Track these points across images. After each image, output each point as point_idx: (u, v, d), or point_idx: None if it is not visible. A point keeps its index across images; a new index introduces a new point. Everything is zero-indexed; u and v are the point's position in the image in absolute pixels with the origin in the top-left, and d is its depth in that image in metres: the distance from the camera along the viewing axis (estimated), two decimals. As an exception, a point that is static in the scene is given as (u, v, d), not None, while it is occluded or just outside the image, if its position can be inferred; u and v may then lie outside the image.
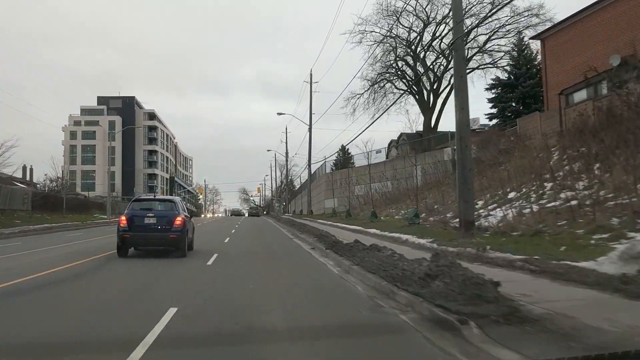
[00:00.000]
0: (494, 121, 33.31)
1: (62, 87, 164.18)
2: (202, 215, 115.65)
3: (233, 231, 28.68)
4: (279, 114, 45.51)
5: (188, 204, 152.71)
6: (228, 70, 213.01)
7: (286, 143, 72.84)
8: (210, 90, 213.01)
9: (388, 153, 45.61)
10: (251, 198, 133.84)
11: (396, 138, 54.91)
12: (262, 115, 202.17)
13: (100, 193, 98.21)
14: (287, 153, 72.55)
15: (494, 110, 33.47)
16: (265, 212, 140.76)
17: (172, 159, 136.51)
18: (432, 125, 36.83)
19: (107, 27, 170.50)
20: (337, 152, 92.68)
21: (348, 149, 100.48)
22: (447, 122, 74.97)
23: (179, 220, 13.86)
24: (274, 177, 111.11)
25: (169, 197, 21.24)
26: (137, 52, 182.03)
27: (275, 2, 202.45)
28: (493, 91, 33.46)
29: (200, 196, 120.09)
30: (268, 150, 76.83)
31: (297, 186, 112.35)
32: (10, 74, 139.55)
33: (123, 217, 14.07)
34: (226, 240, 21.98)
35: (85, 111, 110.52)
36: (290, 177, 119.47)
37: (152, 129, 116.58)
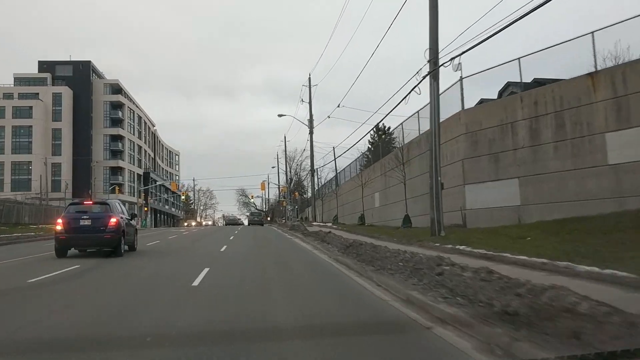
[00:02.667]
0: None
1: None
2: (186, 224, 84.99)
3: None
4: None
5: (173, 209, 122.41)
6: (235, 74, 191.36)
7: (309, 94, 42.55)
8: (215, 94, 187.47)
9: None
10: (251, 200, 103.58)
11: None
12: (267, 123, 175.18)
13: (36, 193, 67.68)
14: (310, 111, 42.18)
15: None
16: (269, 219, 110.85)
17: (149, 151, 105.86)
18: None
19: (116, 29, 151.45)
20: (372, 131, 63.88)
21: (389, 128, 70.79)
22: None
23: (113, 222, 14.34)
24: (282, 171, 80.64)
25: (104, 200, 19.03)
26: (144, 54, 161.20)
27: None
28: None
29: (183, 197, 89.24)
30: (280, 116, 43.49)
31: (302, 192, 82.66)
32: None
33: (60, 220, 14.66)
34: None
35: (20, 80, 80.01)
36: (298, 176, 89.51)
37: (117, 106, 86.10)
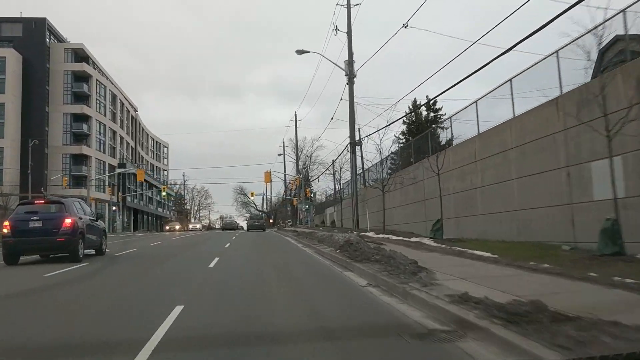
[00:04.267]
0: None
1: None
2: (167, 227, 66.87)
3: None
4: None
5: (160, 209, 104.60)
6: (239, 74, 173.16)
7: (348, 20, 24.50)
8: (218, 94, 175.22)
9: None
10: (251, 199, 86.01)
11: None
12: (271, 123, 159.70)
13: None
14: (350, 47, 24.61)
15: None
16: (271, 222, 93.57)
17: (128, 139, 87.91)
18: None
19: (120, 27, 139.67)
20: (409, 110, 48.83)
21: (434, 102, 54.76)
22: None
23: (67, 223, 13.09)
24: (291, 159, 62.76)
25: (58, 198, 16.27)
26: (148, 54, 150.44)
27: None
28: None
29: (164, 192, 71.11)
30: (300, 53, 23.72)
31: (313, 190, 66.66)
32: None
33: (7, 223, 13.55)
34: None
35: (-49, 40, 62.31)
36: (307, 169, 72.39)
37: (82, 78, 68.23)
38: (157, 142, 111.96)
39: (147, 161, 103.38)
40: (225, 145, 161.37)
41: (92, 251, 14.71)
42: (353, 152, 26.78)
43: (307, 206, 44.65)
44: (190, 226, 65.19)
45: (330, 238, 17.10)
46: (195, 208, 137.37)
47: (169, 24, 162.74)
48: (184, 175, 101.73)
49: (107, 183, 71.38)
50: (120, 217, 68.43)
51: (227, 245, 19.38)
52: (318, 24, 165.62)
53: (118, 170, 58.59)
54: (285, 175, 60.83)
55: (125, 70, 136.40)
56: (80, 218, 13.78)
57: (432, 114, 54.22)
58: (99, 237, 15.27)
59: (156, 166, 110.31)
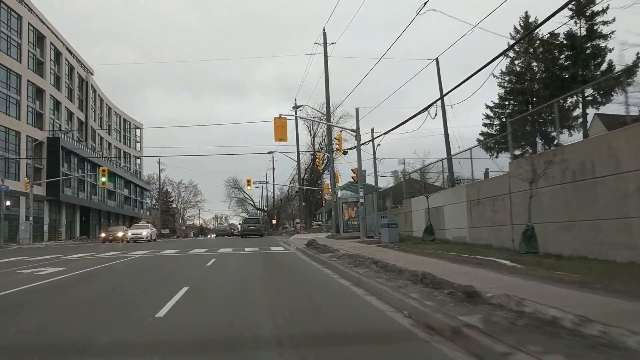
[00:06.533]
0: None
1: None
2: (104, 235, 41.31)
3: None
4: None
5: (127, 206, 77.93)
6: (243, 71, 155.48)
7: None
8: (221, 92, 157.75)
9: None
10: (247, 189, 61.36)
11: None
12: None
13: None
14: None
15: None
16: (274, 222, 69.47)
17: (68, 105, 62.24)
18: None
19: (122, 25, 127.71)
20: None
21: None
22: None
23: None
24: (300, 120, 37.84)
25: None
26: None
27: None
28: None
29: (103, 179, 45.00)
30: None
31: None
32: None
33: None
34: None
35: None
36: (322, 150, 49.41)
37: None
38: (125, 120, 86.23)
39: (109, 143, 77.85)
40: (228, 147, 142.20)
41: None
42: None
43: (362, 195, 18.79)
44: (130, 233, 37.60)
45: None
46: (182, 206, 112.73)
47: (172, 25, 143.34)
48: (159, 162, 75.83)
49: (24, 164, 46.16)
50: (45, 217, 43.09)
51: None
52: None
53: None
54: (297, 133, 35.79)
55: (127, 66, 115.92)
56: None
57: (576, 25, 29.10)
58: None
59: (124, 151, 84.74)
